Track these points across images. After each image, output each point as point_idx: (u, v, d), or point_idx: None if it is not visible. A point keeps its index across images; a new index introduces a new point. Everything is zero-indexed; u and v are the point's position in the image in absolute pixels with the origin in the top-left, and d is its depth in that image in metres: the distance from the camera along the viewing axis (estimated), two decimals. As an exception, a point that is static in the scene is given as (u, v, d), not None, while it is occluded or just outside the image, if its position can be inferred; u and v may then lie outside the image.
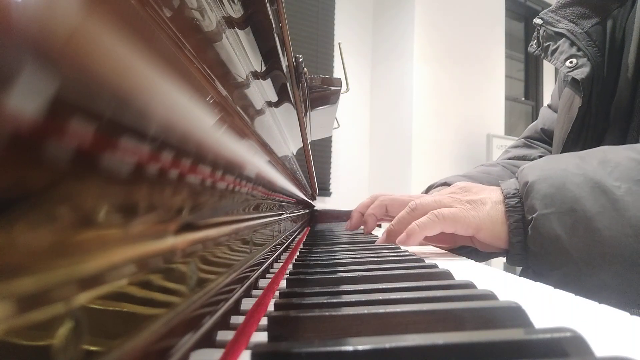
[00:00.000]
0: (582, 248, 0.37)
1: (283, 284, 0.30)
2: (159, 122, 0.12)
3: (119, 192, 0.10)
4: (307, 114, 0.76)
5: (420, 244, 0.55)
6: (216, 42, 0.19)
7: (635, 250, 0.35)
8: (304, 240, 0.68)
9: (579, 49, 0.61)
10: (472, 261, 0.42)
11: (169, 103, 0.13)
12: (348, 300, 0.22)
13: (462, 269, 0.37)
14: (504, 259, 0.48)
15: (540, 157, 0.79)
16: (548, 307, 0.23)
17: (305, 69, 0.57)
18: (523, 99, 3.42)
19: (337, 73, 2.61)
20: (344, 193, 2.66)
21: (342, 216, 1.26)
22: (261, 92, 0.31)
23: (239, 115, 0.23)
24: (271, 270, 0.38)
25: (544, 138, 0.81)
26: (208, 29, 0.18)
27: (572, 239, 0.38)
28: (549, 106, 0.81)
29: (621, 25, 0.60)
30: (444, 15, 2.63)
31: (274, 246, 0.39)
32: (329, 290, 0.25)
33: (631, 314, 0.21)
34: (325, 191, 2.59)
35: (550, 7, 0.65)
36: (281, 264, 0.41)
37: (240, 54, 0.24)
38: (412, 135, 2.47)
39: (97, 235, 0.09)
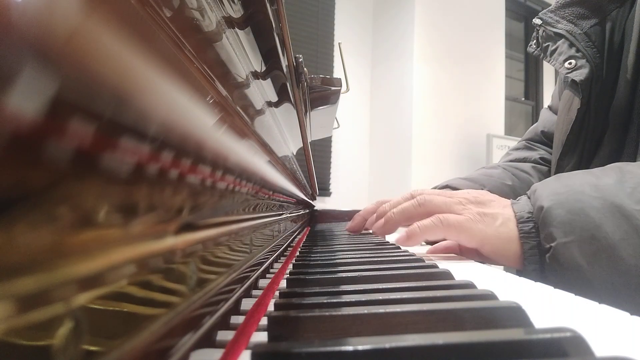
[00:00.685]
0: (605, 278, 0.35)
1: (283, 284, 0.30)
2: (159, 122, 0.12)
3: (119, 192, 0.10)
4: (307, 114, 0.76)
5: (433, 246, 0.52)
6: (216, 42, 0.19)
7: None
8: (304, 240, 0.68)
9: (578, 50, 0.60)
10: (472, 261, 0.42)
11: (169, 103, 0.13)
12: (348, 300, 0.22)
13: (462, 269, 0.37)
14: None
15: (541, 158, 0.79)
16: (548, 307, 0.23)
17: (305, 69, 0.57)
18: (523, 99, 3.42)
19: (337, 73, 2.61)
20: (344, 193, 2.66)
21: (342, 216, 1.26)
22: (261, 92, 0.31)
23: (239, 115, 0.23)
24: (271, 270, 0.38)
25: (544, 140, 0.82)
26: (208, 29, 0.18)
27: (594, 269, 0.35)
28: (550, 107, 0.81)
29: (620, 25, 0.60)
30: (444, 15, 2.63)
31: (274, 246, 0.39)
32: (329, 290, 0.25)
33: (631, 313, 0.21)
34: (325, 191, 2.59)
35: (550, 7, 0.65)
36: (281, 264, 0.41)
37: (240, 54, 0.24)
38: (412, 135, 2.47)
39: (97, 235, 0.09)
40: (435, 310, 0.19)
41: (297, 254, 0.47)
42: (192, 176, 0.15)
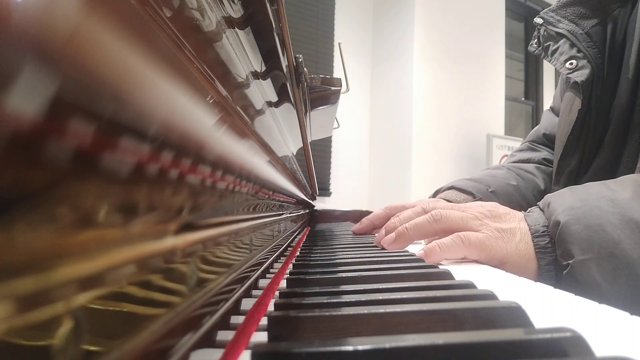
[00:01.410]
0: (624, 296, 0.34)
1: (283, 284, 0.30)
2: (159, 122, 0.12)
3: (119, 192, 0.10)
4: (307, 114, 0.76)
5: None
6: (216, 42, 0.19)
7: None
8: (304, 240, 0.68)
9: (579, 50, 0.60)
10: (472, 261, 0.42)
11: (169, 103, 0.13)
12: (348, 300, 0.22)
13: (462, 269, 0.37)
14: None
15: (544, 159, 0.79)
16: (548, 307, 0.23)
17: (305, 69, 0.57)
18: (523, 99, 3.42)
19: (337, 73, 2.61)
20: (344, 193, 2.66)
21: (342, 216, 1.26)
22: (261, 92, 0.31)
23: (239, 115, 0.23)
24: (271, 270, 0.38)
25: (546, 142, 0.82)
26: (208, 29, 0.18)
27: (613, 287, 0.34)
28: (552, 109, 0.81)
29: (622, 25, 0.59)
30: (444, 15, 2.64)
31: (274, 246, 0.39)
32: (329, 290, 0.25)
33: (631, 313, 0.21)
34: (325, 191, 2.59)
35: (551, 7, 0.65)
36: (281, 263, 0.41)
37: (240, 54, 0.24)
38: (412, 135, 2.47)
39: (97, 235, 0.09)
40: (436, 310, 0.19)
41: (297, 254, 0.47)
42: (192, 176, 0.15)
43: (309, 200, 0.97)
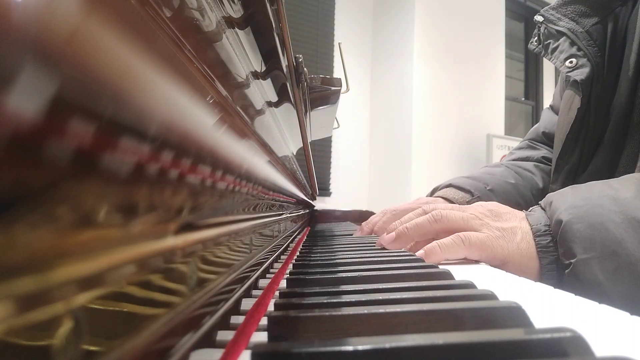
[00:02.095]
0: (626, 295, 0.34)
1: (283, 284, 0.30)
2: (159, 122, 0.12)
3: (119, 192, 0.10)
4: (307, 114, 0.76)
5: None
6: (216, 42, 0.19)
7: None
8: (304, 240, 0.68)
9: (579, 49, 0.60)
10: (472, 261, 0.42)
11: (169, 103, 0.13)
12: (348, 300, 0.22)
13: (462, 268, 0.37)
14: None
15: (543, 157, 0.79)
16: (548, 307, 0.23)
17: (305, 69, 0.57)
18: (523, 99, 3.42)
19: (337, 73, 2.61)
20: (344, 193, 2.66)
21: (342, 216, 1.26)
22: (261, 92, 0.31)
23: (239, 115, 0.23)
24: (271, 270, 0.38)
25: (546, 141, 0.82)
26: (208, 29, 0.18)
27: (615, 286, 0.34)
28: (551, 107, 0.81)
29: (623, 24, 0.59)
30: (444, 15, 2.64)
31: (274, 246, 0.39)
32: (329, 290, 0.25)
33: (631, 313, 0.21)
34: (325, 191, 2.59)
35: (552, 4, 0.65)
36: (281, 263, 0.41)
37: (240, 54, 0.24)
38: (412, 135, 2.47)
39: (97, 235, 0.09)
40: (435, 310, 0.19)
41: (297, 254, 0.47)
42: (192, 176, 0.15)
43: (309, 200, 0.97)
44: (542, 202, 0.44)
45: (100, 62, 0.09)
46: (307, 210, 1.06)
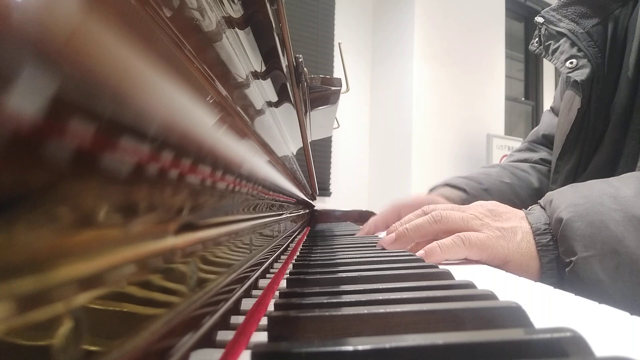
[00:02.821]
0: (627, 293, 0.34)
1: (283, 284, 0.30)
2: (158, 122, 0.12)
3: (119, 192, 0.10)
4: (307, 114, 0.76)
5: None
6: (216, 42, 0.19)
7: None
8: (304, 240, 0.68)
9: (579, 50, 0.60)
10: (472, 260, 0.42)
11: (169, 103, 0.13)
12: (348, 300, 0.22)
13: (462, 268, 0.37)
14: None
15: (541, 159, 0.79)
16: (548, 307, 0.23)
17: (305, 69, 0.57)
18: (523, 99, 3.42)
19: (337, 73, 2.61)
20: (344, 193, 2.66)
21: (342, 216, 1.26)
22: (261, 92, 0.31)
23: (239, 115, 0.23)
24: (271, 270, 0.38)
25: (546, 143, 0.82)
26: (208, 29, 0.18)
27: (616, 284, 0.35)
28: (552, 109, 0.82)
29: (623, 24, 0.59)
30: (444, 15, 2.63)
31: (274, 246, 0.39)
32: (329, 290, 0.25)
33: (631, 313, 0.21)
34: (325, 191, 2.59)
35: (552, 6, 0.65)
36: (281, 263, 0.41)
37: (240, 54, 0.24)
38: (412, 135, 2.47)
39: (97, 235, 0.09)
40: (436, 310, 0.19)
41: (297, 254, 0.47)
42: (192, 176, 0.15)
43: (309, 200, 0.97)
44: (541, 201, 0.44)
45: (100, 62, 0.09)
46: (307, 210, 1.06)
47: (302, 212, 0.84)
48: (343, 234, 0.75)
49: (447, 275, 0.30)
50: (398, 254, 0.42)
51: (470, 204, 0.47)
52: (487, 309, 0.19)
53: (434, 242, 0.41)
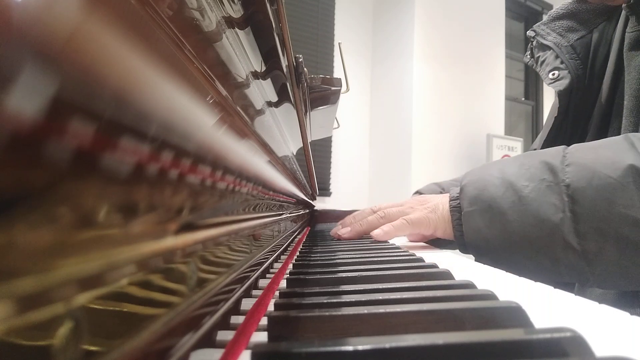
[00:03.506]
0: (499, 237, 0.45)
1: (283, 284, 0.30)
2: (158, 122, 0.12)
3: (119, 192, 0.10)
4: (307, 114, 0.76)
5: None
6: (216, 42, 0.19)
7: (537, 237, 0.42)
8: (303, 240, 0.68)
9: (562, 62, 0.66)
10: (472, 260, 0.42)
11: (168, 103, 0.13)
12: (348, 300, 0.22)
13: (462, 268, 0.37)
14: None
15: None
16: (548, 307, 0.23)
17: (305, 69, 0.57)
18: (523, 99, 3.42)
19: (337, 73, 2.61)
20: (344, 193, 2.66)
21: (342, 216, 1.25)
22: (261, 92, 0.31)
23: (239, 115, 0.23)
24: (271, 270, 0.38)
25: None
26: (208, 29, 0.18)
27: (490, 231, 0.46)
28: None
29: (607, 38, 0.65)
30: (444, 15, 2.63)
31: (273, 246, 0.39)
32: (329, 290, 0.25)
33: (631, 313, 0.21)
34: (325, 191, 2.59)
35: (544, 20, 0.70)
36: (281, 264, 0.41)
37: (240, 54, 0.24)
38: (412, 135, 2.47)
39: (97, 235, 0.09)
40: (435, 310, 0.19)
41: (297, 254, 0.47)
42: (192, 176, 0.15)
43: (309, 200, 0.97)
44: (460, 177, 0.54)
45: (100, 62, 0.09)
46: (307, 210, 1.06)
47: (302, 212, 0.84)
48: (343, 234, 0.75)
49: (447, 275, 0.30)
50: (398, 254, 0.42)
51: (406, 200, 0.61)
52: (487, 309, 0.19)
53: (388, 224, 0.55)
